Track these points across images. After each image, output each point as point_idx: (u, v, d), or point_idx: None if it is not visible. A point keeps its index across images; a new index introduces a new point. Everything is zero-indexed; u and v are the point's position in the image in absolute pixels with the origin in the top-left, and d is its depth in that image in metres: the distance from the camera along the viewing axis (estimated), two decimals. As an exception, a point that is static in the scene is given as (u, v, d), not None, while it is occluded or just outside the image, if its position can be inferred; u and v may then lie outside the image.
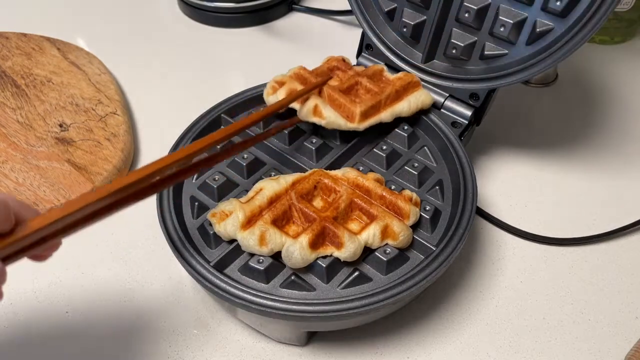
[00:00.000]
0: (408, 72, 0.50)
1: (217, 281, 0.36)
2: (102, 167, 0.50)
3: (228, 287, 0.36)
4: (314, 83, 0.46)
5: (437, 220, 0.42)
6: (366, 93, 0.47)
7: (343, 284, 0.38)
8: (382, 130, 0.47)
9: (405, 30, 0.49)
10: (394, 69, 0.51)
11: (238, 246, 0.39)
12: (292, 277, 0.38)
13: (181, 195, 0.43)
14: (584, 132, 0.58)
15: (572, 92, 0.62)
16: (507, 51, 0.45)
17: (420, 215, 0.41)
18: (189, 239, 0.39)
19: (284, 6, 0.73)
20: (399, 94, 0.46)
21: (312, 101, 0.45)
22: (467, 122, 0.48)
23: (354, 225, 0.40)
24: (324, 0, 0.75)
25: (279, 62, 0.64)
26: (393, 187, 0.44)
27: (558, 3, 0.41)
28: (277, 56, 0.67)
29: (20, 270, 0.45)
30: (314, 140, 0.46)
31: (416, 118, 0.48)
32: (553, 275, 0.45)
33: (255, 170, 0.45)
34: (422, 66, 0.49)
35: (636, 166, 0.54)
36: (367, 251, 0.39)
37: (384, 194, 0.40)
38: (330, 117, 0.44)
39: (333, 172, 0.42)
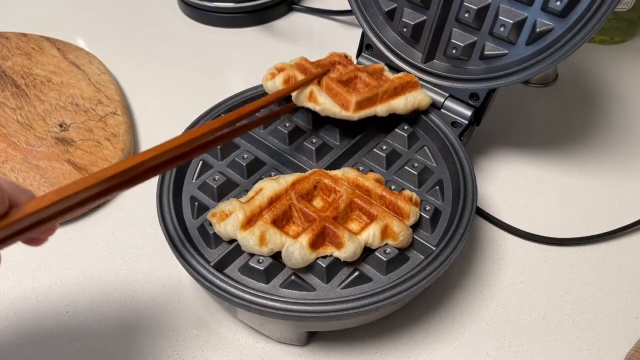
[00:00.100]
0: (408, 72, 0.50)
1: (217, 281, 0.36)
2: (102, 167, 0.50)
3: (228, 287, 0.36)
4: (315, 73, 0.46)
5: (437, 220, 0.42)
6: (364, 87, 0.47)
7: (343, 284, 0.38)
8: (382, 130, 0.47)
9: (405, 30, 0.49)
10: (394, 69, 0.51)
11: (238, 246, 0.39)
12: (292, 277, 0.38)
13: (181, 195, 0.43)
14: (584, 132, 0.58)
15: (572, 92, 0.62)
16: (507, 51, 0.45)
17: (420, 215, 0.41)
18: (189, 239, 0.39)
19: (284, 6, 0.73)
20: (396, 91, 0.46)
21: (309, 88, 0.45)
22: (467, 122, 0.48)
23: (354, 225, 0.40)
24: (324, 0, 0.75)
25: (278, 62, 0.64)
26: (393, 187, 0.44)
27: (558, 3, 0.41)
28: (277, 56, 0.67)
29: (21, 269, 0.45)
30: (314, 140, 0.46)
31: (416, 118, 0.48)
32: (553, 275, 0.45)
33: (255, 170, 0.45)
34: (422, 66, 0.49)
35: (636, 166, 0.54)
36: (367, 251, 0.39)
37: (384, 194, 0.40)
38: (325, 103, 0.44)
39: (333, 172, 0.42)
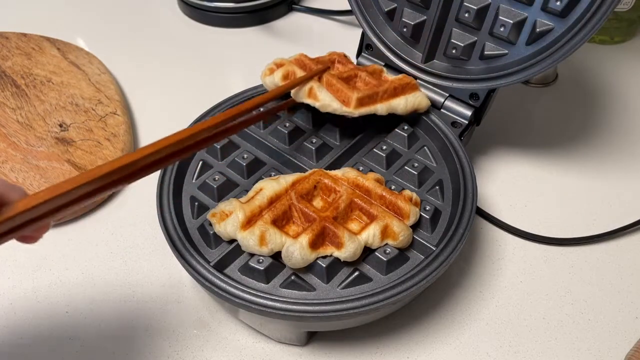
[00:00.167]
0: (408, 72, 0.50)
1: (217, 281, 0.36)
2: (102, 167, 0.50)
3: (228, 287, 0.36)
4: (315, 70, 0.45)
5: (437, 220, 0.42)
6: (364, 85, 0.46)
7: (343, 284, 0.38)
8: (382, 130, 0.47)
9: (405, 30, 0.49)
10: (394, 69, 0.51)
11: (238, 246, 0.39)
12: (292, 277, 0.38)
13: (181, 195, 0.43)
14: (584, 132, 0.58)
15: (572, 92, 0.62)
16: (507, 51, 0.45)
17: (420, 215, 0.41)
18: (189, 239, 0.39)
19: (284, 6, 0.73)
20: (396, 91, 0.46)
21: (309, 84, 0.44)
22: (467, 122, 0.48)
23: (354, 225, 0.40)
24: (324, 0, 0.75)
25: (277, 58, 0.64)
26: (393, 187, 0.44)
27: (558, 3, 0.41)
28: (277, 56, 0.67)
29: (21, 269, 0.45)
30: (314, 140, 0.46)
31: (416, 118, 0.48)
32: (553, 275, 0.45)
33: (255, 170, 0.45)
34: (422, 66, 0.49)
35: (636, 166, 0.54)
36: (367, 251, 0.39)
37: (384, 194, 0.40)
38: (325, 99, 0.44)
39: (333, 172, 0.42)
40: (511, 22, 0.43)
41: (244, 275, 0.38)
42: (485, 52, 0.46)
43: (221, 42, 0.70)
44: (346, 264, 0.38)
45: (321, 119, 0.47)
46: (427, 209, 0.41)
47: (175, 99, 0.61)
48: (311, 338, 0.41)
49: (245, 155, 0.45)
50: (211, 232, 0.40)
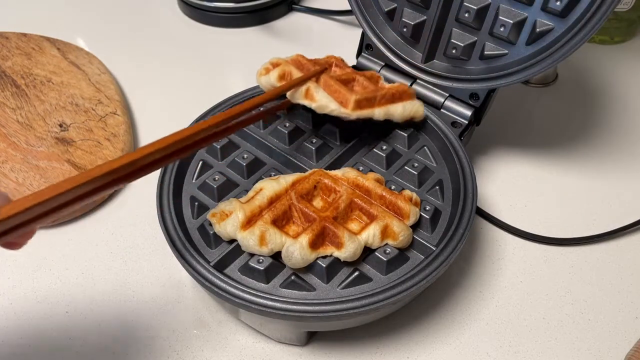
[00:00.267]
0: (408, 72, 0.50)
1: (217, 281, 0.36)
2: (102, 167, 0.50)
3: (228, 287, 0.36)
4: (313, 71, 0.45)
5: (437, 220, 0.42)
6: (362, 89, 0.46)
7: (343, 284, 0.38)
8: (382, 131, 0.47)
9: (405, 30, 0.49)
10: (394, 69, 0.51)
11: (238, 246, 0.39)
12: (292, 277, 0.38)
13: (181, 195, 0.43)
14: (584, 132, 0.58)
15: (572, 92, 0.62)
16: (507, 51, 0.45)
17: (420, 215, 0.41)
18: (189, 239, 0.39)
19: (284, 6, 0.73)
20: (394, 97, 0.46)
21: (306, 85, 0.44)
22: (467, 122, 0.48)
23: (354, 225, 0.40)
24: (324, 0, 0.75)
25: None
26: (393, 187, 0.44)
27: (558, 3, 0.41)
28: (278, 56, 0.67)
29: (21, 269, 0.45)
30: (314, 140, 0.46)
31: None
32: (553, 275, 0.45)
33: (255, 170, 0.45)
34: (422, 66, 0.49)
35: (636, 166, 0.54)
36: (367, 251, 0.39)
37: (384, 194, 0.40)
38: (322, 100, 0.43)
39: (333, 172, 0.42)
40: (511, 22, 0.43)
41: (244, 275, 0.38)
42: (485, 52, 0.46)
43: (221, 42, 0.70)
44: (346, 264, 0.38)
45: (321, 119, 0.47)
46: (427, 209, 0.41)
47: (175, 99, 0.61)
48: (311, 338, 0.41)
49: (245, 155, 0.45)
50: (211, 232, 0.40)
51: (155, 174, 0.43)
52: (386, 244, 0.39)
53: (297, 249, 0.37)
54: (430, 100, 0.49)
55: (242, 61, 0.67)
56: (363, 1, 0.50)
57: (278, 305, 0.35)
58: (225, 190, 0.43)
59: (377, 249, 0.39)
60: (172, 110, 0.60)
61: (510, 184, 0.52)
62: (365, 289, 0.37)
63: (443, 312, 0.43)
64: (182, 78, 0.64)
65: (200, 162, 0.45)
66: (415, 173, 0.44)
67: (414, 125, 0.48)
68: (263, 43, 0.69)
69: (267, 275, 0.38)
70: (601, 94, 0.62)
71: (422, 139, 0.48)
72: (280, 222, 0.39)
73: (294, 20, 0.73)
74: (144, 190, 0.51)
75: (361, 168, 0.45)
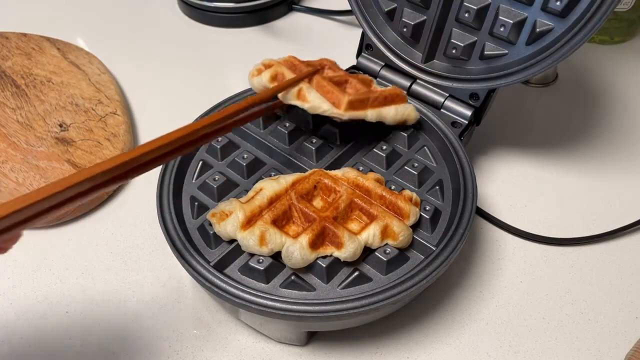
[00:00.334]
0: (408, 72, 0.50)
1: (217, 281, 0.36)
2: (102, 167, 0.50)
3: (228, 287, 0.36)
4: (305, 72, 0.44)
5: (437, 220, 0.42)
6: (355, 91, 0.46)
7: (343, 284, 0.38)
8: (381, 131, 0.47)
9: (405, 30, 0.49)
10: (394, 69, 0.51)
11: (238, 246, 0.39)
12: (292, 277, 0.38)
13: (181, 195, 0.43)
14: (584, 132, 0.58)
15: (572, 92, 0.62)
16: (507, 51, 0.45)
17: (420, 215, 0.41)
18: (189, 239, 0.39)
19: (284, 6, 0.73)
20: (387, 100, 0.45)
21: (298, 85, 0.44)
22: (467, 122, 0.48)
23: (354, 225, 0.40)
24: (324, 0, 0.75)
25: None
26: (393, 187, 0.44)
27: (558, 3, 0.41)
28: (277, 56, 0.67)
29: (21, 269, 0.45)
30: (314, 140, 0.46)
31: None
32: (553, 275, 0.45)
33: (255, 170, 0.45)
34: (422, 66, 0.49)
35: (636, 166, 0.54)
36: (367, 251, 0.39)
37: (384, 194, 0.40)
38: (314, 101, 0.43)
39: (333, 172, 0.42)
40: (511, 22, 0.43)
41: (244, 275, 0.38)
42: (485, 52, 0.46)
43: (221, 42, 0.70)
44: (346, 264, 0.38)
45: (321, 120, 0.47)
46: (427, 209, 0.41)
47: (175, 99, 0.61)
48: (311, 338, 0.41)
49: (245, 155, 0.45)
50: (211, 232, 0.40)
51: (155, 175, 0.43)
52: (386, 244, 0.39)
53: (297, 249, 0.37)
54: (430, 100, 0.49)
55: (242, 61, 0.67)
56: (363, 1, 0.50)
57: (278, 305, 0.35)
58: (225, 190, 0.43)
59: (377, 249, 0.39)
60: (172, 110, 0.60)
61: (510, 184, 0.52)
62: (365, 289, 0.37)
63: (443, 312, 0.43)
64: (182, 78, 0.64)
65: (200, 162, 0.45)
66: (415, 173, 0.44)
67: (414, 126, 0.48)
68: (263, 43, 0.69)
69: (267, 275, 0.38)
70: (601, 94, 0.62)
71: (422, 139, 0.48)
72: (280, 222, 0.39)
73: (294, 20, 0.73)
74: (144, 190, 0.51)
75: (361, 168, 0.45)
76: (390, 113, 0.45)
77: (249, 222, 0.38)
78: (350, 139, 0.47)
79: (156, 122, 0.59)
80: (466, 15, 0.45)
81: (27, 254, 0.47)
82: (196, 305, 0.43)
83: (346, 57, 0.54)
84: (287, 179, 0.41)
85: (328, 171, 0.42)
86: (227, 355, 0.40)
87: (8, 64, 0.60)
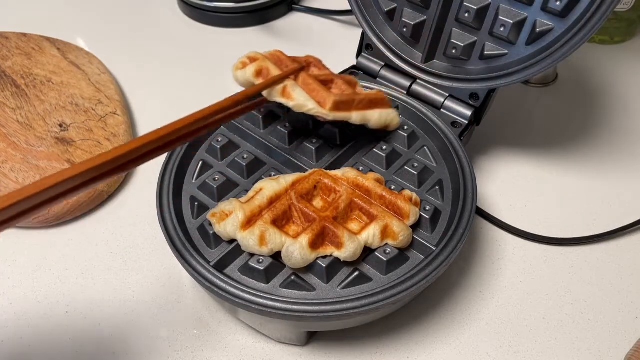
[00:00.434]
0: (408, 72, 0.50)
1: (217, 281, 0.36)
2: (102, 167, 0.50)
3: (228, 287, 0.36)
4: (290, 69, 0.44)
5: (437, 220, 0.42)
6: (340, 92, 0.46)
7: (343, 284, 0.38)
8: (381, 131, 0.47)
9: (405, 30, 0.49)
10: (394, 69, 0.51)
11: (238, 246, 0.39)
12: (292, 277, 0.38)
13: (181, 195, 0.43)
14: (584, 132, 0.58)
15: (572, 92, 0.62)
16: (507, 51, 0.45)
17: (420, 215, 0.41)
18: (189, 239, 0.39)
19: (284, 6, 0.73)
20: (371, 104, 0.45)
21: (283, 82, 0.43)
22: (467, 122, 0.48)
23: (354, 225, 0.40)
24: (324, 0, 0.75)
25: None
26: (393, 187, 0.44)
27: (558, 3, 0.41)
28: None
29: (21, 269, 0.45)
30: (314, 140, 0.46)
31: (416, 118, 0.48)
32: (553, 275, 0.45)
33: (255, 170, 0.45)
34: (422, 66, 0.49)
35: (636, 166, 0.54)
36: (367, 251, 0.39)
37: (384, 194, 0.40)
38: (299, 99, 0.42)
39: (333, 172, 0.42)
40: (511, 22, 0.43)
41: (244, 275, 0.38)
42: (485, 52, 0.46)
43: (221, 42, 0.70)
44: (346, 264, 0.38)
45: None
46: (427, 209, 0.41)
47: (175, 99, 0.61)
48: (311, 338, 0.41)
49: (245, 155, 0.45)
50: (211, 232, 0.40)
51: (155, 175, 0.43)
52: (386, 244, 0.39)
53: (297, 249, 0.37)
54: (430, 100, 0.49)
55: (242, 61, 0.67)
56: (363, 1, 0.50)
57: (278, 305, 0.35)
58: (225, 190, 0.43)
59: (377, 249, 0.39)
60: (172, 111, 0.59)
61: (510, 184, 0.52)
62: (365, 289, 0.37)
63: (443, 312, 0.43)
64: (182, 78, 0.64)
65: (200, 162, 0.45)
66: (415, 173, 0.44)
67: (414, 125, 0.48)
68: (263, 43, 0.69)
69: (267, 275, 0.38)
70: (601, 94, 0.62)
71: (422, 139, 0.48)
72: (280, 222, 0.39)
73: (294, 20, 0.73)
74: (144, 190, 0.51)
75: (361, 168, 0.45)
76: (375, 117, 0.45)
77: (249, 222, 0.38)
78: (350, 139, 0.47)
79: (156, 122, 0.58)
80: (466, 15, 0.45)
81: (27, 254, 0.47)
82: (196, 305, 0.43)
83: (346, 57, 0.54)
84: (287, 179, 0.41)
85: (328, 171, 0.42)
86: (227, 355, 0.40)
87: (8, 64, 0.60)
